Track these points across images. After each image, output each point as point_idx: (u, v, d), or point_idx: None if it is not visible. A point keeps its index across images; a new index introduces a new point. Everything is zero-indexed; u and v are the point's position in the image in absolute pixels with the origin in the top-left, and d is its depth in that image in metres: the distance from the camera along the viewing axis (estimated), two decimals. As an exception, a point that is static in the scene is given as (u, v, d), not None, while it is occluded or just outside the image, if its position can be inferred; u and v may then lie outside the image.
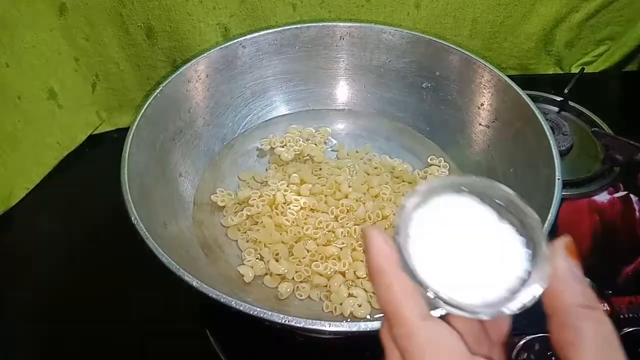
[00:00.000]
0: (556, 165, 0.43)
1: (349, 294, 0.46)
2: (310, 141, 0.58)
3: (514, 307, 0.20)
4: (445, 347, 0.19)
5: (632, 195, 0.56)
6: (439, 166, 0.55)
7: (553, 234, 0.48)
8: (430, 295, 0.20)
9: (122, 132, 0.46)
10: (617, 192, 0.57)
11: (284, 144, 0.57)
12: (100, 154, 0.62)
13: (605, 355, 0.18)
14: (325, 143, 0.58)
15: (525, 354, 0.44)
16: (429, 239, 0.22)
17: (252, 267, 0.47)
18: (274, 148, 0.57)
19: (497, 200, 0.22)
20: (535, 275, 0.20)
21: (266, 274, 0.47)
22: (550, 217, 0.40)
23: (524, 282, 0.20)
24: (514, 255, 0.21)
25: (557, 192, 0.42)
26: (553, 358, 0.44)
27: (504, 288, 0.20)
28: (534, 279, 0.20)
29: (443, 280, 0.21)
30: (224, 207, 0.52)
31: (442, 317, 0.21)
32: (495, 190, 0.22)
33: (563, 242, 0.21)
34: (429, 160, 0.56)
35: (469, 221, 0.22)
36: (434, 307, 0.21)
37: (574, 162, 0.59)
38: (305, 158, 0.57)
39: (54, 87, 0.58)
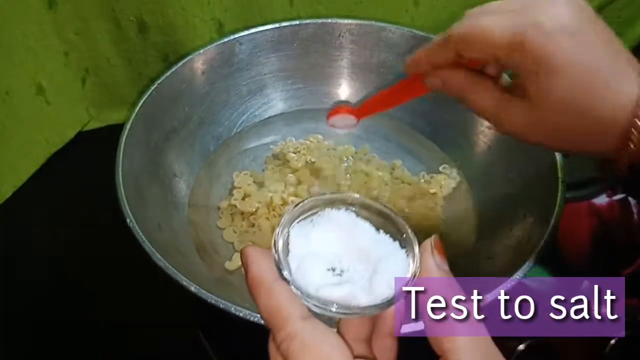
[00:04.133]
0: (559, 167, 0.44)
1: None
2: (327, 155, 0.56)
3: (383, 304, 0.22)
4: (326, 345, 0.20)
5: (630, 198, 0.56)
6: (448, 175, 0.54)
7: (554, 235, 0.48)
8: (307, 298, 0.21)
9: (112, 129, 0.45)
10: (616, 194, 0.57)
11: (297, 150, 0.56)
12: (89, 151, 0.61)
13: (477, 339, 0.21)
14: (341, 161, 0.56)
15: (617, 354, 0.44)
16: (308, 251, 0.23)
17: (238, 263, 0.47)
18: (286, 153, 0.56)
19: (373, 214, 0.25)
20: (407, 273, 0.22)
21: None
22: (555, 219, 0.40)
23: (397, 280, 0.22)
24: (392, 259, 0.23)
25: (561, 194, 0.42)
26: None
27: (385, 290, 0.22)
28: (405, 276, 0.22)
29: (323, 288, 0.22)
30: (219, 208, 0.51)
31: None
32: (369, 204, 0.25)
33: (430, 241, 0.23)
34: (440, 169, 0.55)
35: (349, 233, 0.24)
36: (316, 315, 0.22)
37: (572, 164, 0.59)
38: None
39: (42, 83, 0.56)
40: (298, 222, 0.24)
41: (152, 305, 0.48)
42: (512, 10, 0.28)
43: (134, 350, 0.46)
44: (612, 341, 0.46)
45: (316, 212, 0.24)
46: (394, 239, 0.24)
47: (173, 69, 0.50)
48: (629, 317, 0.48)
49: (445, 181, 0.53)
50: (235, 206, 0.51)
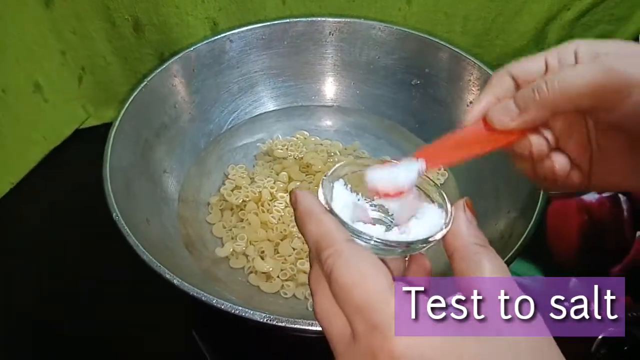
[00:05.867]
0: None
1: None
2: (314, 151, 0.56)
3: (421, 242, 0.23)
4: (368, 263, 0.21)
5: (620, 195, 0.56)
6: (438, 172, 0.55)
7: (541, 232, 0.48)
8: (352, 230, 0.23)
9: (109, 127, 0.46)
10: (606, 191, 0.56)
11: (285, 147, 0.56)
12: (86, 149, 0.61)
13: (502, 276, 0.22)
14: (330, 156, 0.56)
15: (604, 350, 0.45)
16: (351, 200, 0.26)
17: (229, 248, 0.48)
18: (274, 150, 0.56)
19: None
20: (442, 224, 0.24)
21: (251, 272, 0.47)
22: (537, 215, 0.40)
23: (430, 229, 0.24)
24: (428, 211, 0.25)
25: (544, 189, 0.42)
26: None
27: (421, 234, 0.24)
28: (440, 227, 0.24)
29: (363, 227, 0.24)
30: (209, 204, 0.52)
31: None
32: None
33: (462, 200, 0.24)
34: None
35: (392, 185, 0.26)
36: None
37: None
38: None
39: (39, 81, 0.57)
40: (342, 178, 0.26)
41: (147, 304, 0.48)
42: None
43: (128, 351, 0.46)
44: (599, 338, 0.46)
45: (360, 169, 0.26)
46: (432, 200, 0.26)
47: (164, 66, 0.51)
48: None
49: (434, 177, 0.54)
50: (225, 201, 0.51)
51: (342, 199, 0.25)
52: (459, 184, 0.53)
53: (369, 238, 0.23)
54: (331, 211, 0.24)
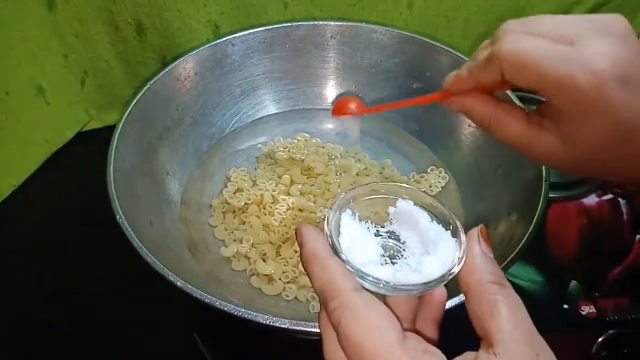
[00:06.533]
0: (543, 167, 0.44)
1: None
2: (316, 154, 0.56)
3: (435, 283, 0.23)
4: (377, 314, 0.21)
5: (620, 199, 0.57)
6: (439, 176, 0.55)
7: (541, 235, 0.48)
8: (359, 274, 0.22)
9: (111, 130, 0.46)
10: (606, 194, 0.57)
11: (287, 149, 0.57)
12: (88, 152, 0.62)
13: (518, 320, 0.21)
14: (331, 159, 0.56)
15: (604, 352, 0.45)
16: (360, 232, 0.25)
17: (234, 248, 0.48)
18: (275, 152, 0.56)
19: (421, 204, 0.26)
20: (456, 258, 0.23)
21: (253, 274, 0.47)
22: (537, 218, 0.40)
23: (444, 265, 0.23)
24: (441, 244, 0.24)
25: (544, 194, 0.42)
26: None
27: (434, 272, 0.23)
28: (454, 262, 0.23)
29: (373, 265, 0.23)
30: (211, 206, 0.52)
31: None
32: (419, 194, 0.26)
33: (476, 230, 0.24)
34: (428, 170, 0.55)
35: (400, 217, 0.26)
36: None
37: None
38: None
39: (42, 84, 0.57)
40: (349, 207, 0.25)
41: (150, 303, 0.48)
42: (558, 37, 0.26)
43: (128, 352, 0.46)
44: (599, 340, 0.46)
45: (365, 199, 0.26)
46: (445, 228, 0.25)
47: (166, 69, 0.51)
48: (616, 316, 0.48)
49: (435, 180, 0.54)
50: (227, 203, 0.52)
51: (350, 232, 0.25)
52: (459, 186, 0.54)
53: (378, 282, 0.22)
54: (337, 252, 0.23)
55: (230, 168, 0.55)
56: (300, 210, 0.51)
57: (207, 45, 0.54)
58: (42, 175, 0.59)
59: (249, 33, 0.55)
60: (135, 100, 0.48)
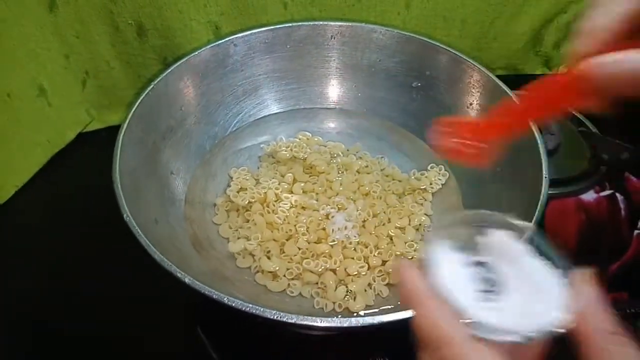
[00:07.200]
0: (543, 164, 0.44)
1: (346, 288, 0.46)
2: (318, 152, 0.57)
3: (543, 332, 0.21)
4: None
5: (618, 194, 0.57)
6: (439, 173, 0.55)
7: (539, 231, 0.48)
8: (467, 320, 0.21)
9: (112, 130, 0.45)
10: (604, 191, 0.58)
11: (289, 148, 0.57)
12: (90, 152, 0.62)
13: None
14: (332, 157, 0.57)
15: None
16: (460, 269, 0.23)
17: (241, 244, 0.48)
18: (278, 151, 0.57)
19: (519, 234, 0.24)
20: (563, 303, 0.22)
21: (257, 271, 0.48)
22: (537, 214, 0.41)
23: (554, 309, 0.22)
24: (545, 285, 0.22)
25: (544, 190, 0.42)
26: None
27: (538, 314, 0.22)
28: (562, 307, 0.21)
29: (475, 307, 0.22)
30: (215, 205, 0.52)
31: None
32: (515, 225, 0.24)
33: (588, 273, 0.22)
34: (429, 167, 0.56)
35: (498, 252, 0.24)
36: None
37: (561, 161, 0.60)
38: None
39: (43, 85, 0.57)
40: (442, 239, 0.24)
41: (151, 303, 0.48)
42: None
43: (132, 348, 0.46)
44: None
45: (460, 230, 0.24)
46: (549, 265, 0.23)
47: (169, 70, 0.51)
48: (615, 311, 0.49)
49: (435, 177, 0.55)
50: (231, 202, 0.52)
51: (448, 265, 0.23)
52: (459, 184, 0.54)
53: (492, 332, 0.21)
54: (441, 295, 0.22)
55: (232, 168, 0.55)
56: (303, 207, 0.52)
57: (209, 46, 0.54)
58: (44, 176, 0.59)
59: (250, 33, 0.56)
60: (139, 101, 0.48)
